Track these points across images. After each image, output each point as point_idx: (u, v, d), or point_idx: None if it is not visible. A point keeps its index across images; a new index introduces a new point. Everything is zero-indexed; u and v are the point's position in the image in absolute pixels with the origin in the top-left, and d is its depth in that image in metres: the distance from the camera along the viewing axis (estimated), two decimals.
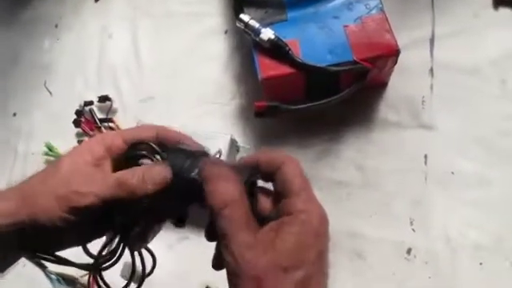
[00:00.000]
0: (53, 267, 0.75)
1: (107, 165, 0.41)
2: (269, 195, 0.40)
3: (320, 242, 0.35)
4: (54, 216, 0.37)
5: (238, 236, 0.34)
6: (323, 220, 0.36)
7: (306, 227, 0.35)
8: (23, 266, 0.76)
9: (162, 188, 0.39)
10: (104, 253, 0.43)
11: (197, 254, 0.71)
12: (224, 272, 0.71)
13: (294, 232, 0.34)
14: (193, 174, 0.39)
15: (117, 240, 0.43)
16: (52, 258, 0.43)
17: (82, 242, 0.42)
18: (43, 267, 0.75)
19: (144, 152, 0.42)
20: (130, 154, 0.42)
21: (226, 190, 0.36)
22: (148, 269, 0.46)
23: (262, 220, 0.37)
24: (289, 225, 0.35)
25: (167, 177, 0.39)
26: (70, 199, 0.38)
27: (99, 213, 0.39)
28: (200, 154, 0.42)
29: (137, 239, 0.43)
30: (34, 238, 0.39)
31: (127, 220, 0.42)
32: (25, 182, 0.41)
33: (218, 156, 0.60)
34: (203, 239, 0.70)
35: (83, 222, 0.39)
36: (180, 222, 0.46)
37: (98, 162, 0.41)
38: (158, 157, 0.42)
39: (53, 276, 0.74)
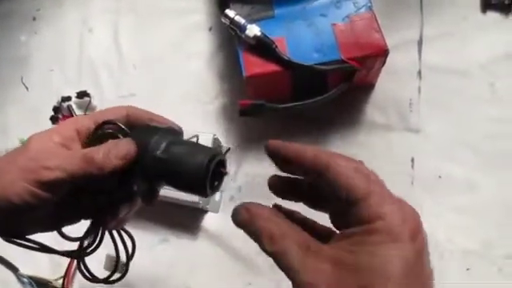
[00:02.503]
0: (25, 270, 0.72)
1: (76, 145, 0.41)
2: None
3: (406, 249, 0.28)
4: (21, 190, 0.36)
5: (298, 265, 0.29)
6: (407, 221, 0.29)
7: (383, 236, 0.28)
8: None
9: (127, 162, 0.38)
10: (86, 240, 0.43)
11: (177, 256, 0.69)
12: (203, 276, 0.69)
13: (369, 243, 0.28)
14: (158, 152, 0.38)
15: (92, 222, 0.43)
16: (33, 244, 0.42)
17: (56, 225, 0.42)
18: (15, 270, 0.73)
19: (110, 130, 0.41)
20: (97, 133, 0.42)
21: (261, 230, 0.32)
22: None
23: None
24: (362, 235, 0.29)
25: (131, 151, 0.38)
26: (37, 173, 0.37)
27: (68, 189, 0.38)
28: (166, 131, 0.41)
29: (108, 220, 0.43)
30: (7, 219, 0.38)
31: (96, 198, 0.42)
32: None
33: (194, 140, 0.59)
34: (183, 242, 0.69)
35: (53, 199, 0.38)
36: (146, 198, 0.44)
37: (67, 142, 0.40)
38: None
39: (25, 279, 0.71)
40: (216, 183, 0.39)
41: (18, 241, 0.41)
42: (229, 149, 0.43)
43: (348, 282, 0.28)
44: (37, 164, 0.37)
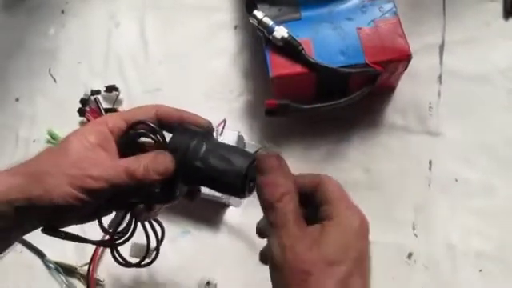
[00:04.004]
0: (51, 256, 0.74)
1: (113, 147, 0.43)
2: None
3: (361, 243, 0.36)
4: (68, 195, 0.39)
5: (291, 228, 0.36)
6: (364, 224, 0.37)
7: (348, 228, 0.36)
8: (20, 252, 0.76)
9: (166, 177, 0.41)
10: (118, 229, 0.46)
11: (198, 248, 0.71)
12: (223, 269, 0.71)
13: (338, 231, 0.36)
14: (197, 162, 0.41)
15: (128, 216, 0.45)
16: (67, 234, 0.44)
17: (91, 219, 0.45)
18: (42, 255, 0.75)
19: (143, 131, 0.43)
20: (130, 134, 0.44)
21: (281, 183, 0.37)
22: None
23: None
24: (333, 226, 0.36)
25: (169, 167, 0.41)
26: (82, 181, 0.39)
27: (110, 194, 0.41)
28: (203, 134, 0.43)
29: (142, 213, 0.45)
30: (49, 217, 0.41)
31: (137, 200, 0.44)
32: (31, 161, 0.42)
33: (222, 125, 0.60)
34: (204, 233, 0.71)
35: (94, 202, 0.40)
36: (188, 197, 0.47)
37: (104, 143, 0.42)
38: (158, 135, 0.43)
39: (51, 265, 0.74)
40: (252, 184, 0.41)
41: (56, 233, 0.43)
42: (260, 148, 0.46)
43: (322, 256, 0.34)
44: (81, 172, 0.39)
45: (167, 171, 0.41)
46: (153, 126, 0.43)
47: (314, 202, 0.39)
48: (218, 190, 0.43)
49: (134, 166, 0.40)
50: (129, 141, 0.44)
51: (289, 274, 0.34)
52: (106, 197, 0.41)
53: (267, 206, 0.37)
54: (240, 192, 0.40)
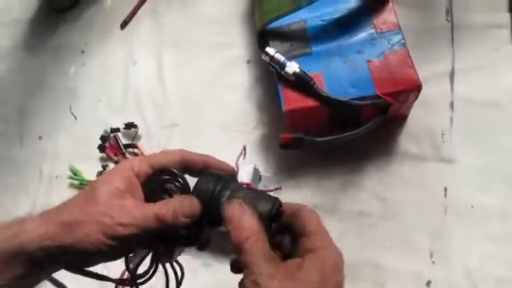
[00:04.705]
0: None
1: (139, 192, 0.45)
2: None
3: (338, 275, 0.39)
4: (99, 243, 0.41)
5: (261, 267, 0.37)
6: (340, 256, 0.40)
7: (326, 261, 0.39)
8: (44, 287, 0.78)
9: (193, 220, 0.43)
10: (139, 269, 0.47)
11: (219, 280, 0.72)
12: None
13: (316, 265, 0.38)
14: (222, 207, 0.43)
15: (150, 257, 0.47)
16: (88, 272, 0.46)
17: (114, 259, 0.46)
18: None
19: (167, 177, 0.45)
20: (155, 180, 0.46)
21: (245, 226, 0.40)
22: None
23: (283, 257, 0.42)
24: (312, 259, 0.39)
25: (196, 210, 0.43)
26: (112, 229, 0.41)
27: (138, 239, 0.42)
28: (227, 179, 0.45)
29: (164, 256, 0.47)
30: (78, 260, 0.43)
31: (162, 243, 0.46)
32: (62, 208, 0.44)
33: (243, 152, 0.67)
34: (225, 266, 0.71)
35: (124, 245, 0.42)
36: (201, 247, 0.48)
37: (131, 189, 0.44)
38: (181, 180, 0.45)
39: None
40: (274, 225, 0.43)
41: (78, 271, 0.45)
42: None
43: None
44: (112, 220, 0.41)
45: (194, 214, 0.43)
46: (177, 173, 0.45)
47: (293, 231, 0.42)
48: None
49: (163, 210, 0.42)
50: (154, 186, 0.46)
51: None
52: (134, 242, 0.43)
53: (236, 249, 0.39)
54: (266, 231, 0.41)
